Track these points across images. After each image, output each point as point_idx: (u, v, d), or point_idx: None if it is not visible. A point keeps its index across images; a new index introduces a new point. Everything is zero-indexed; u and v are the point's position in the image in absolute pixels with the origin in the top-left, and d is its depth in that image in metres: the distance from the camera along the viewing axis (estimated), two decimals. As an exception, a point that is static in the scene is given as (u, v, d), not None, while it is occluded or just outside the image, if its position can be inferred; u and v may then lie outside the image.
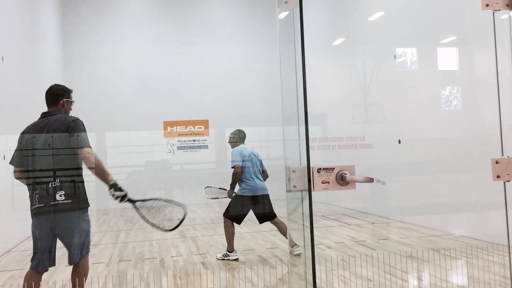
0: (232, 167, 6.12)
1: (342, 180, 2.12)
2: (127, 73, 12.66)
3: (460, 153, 7.00)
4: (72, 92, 4.17)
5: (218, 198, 6.48)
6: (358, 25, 10.36)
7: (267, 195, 6.17)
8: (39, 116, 4.10)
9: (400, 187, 8.27)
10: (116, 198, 3.67)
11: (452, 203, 7.23)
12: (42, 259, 3.80)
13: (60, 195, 3.63)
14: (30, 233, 3.98)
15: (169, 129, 12.33)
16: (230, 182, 6.19)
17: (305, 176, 2.11)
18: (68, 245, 3.85)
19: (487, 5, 2.52)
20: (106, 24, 13.03)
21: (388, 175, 8.28)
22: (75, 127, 3.74)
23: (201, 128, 12.60)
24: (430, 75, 8.08)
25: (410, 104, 8.15)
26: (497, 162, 2.45)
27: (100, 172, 3.63)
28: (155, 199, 3.88)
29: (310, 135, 2.16)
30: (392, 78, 8.94)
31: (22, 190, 8.67)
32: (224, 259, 6.04)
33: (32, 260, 3.82)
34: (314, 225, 2.16)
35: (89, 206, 3.82)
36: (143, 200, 3.82)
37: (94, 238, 8.12)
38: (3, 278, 5.66)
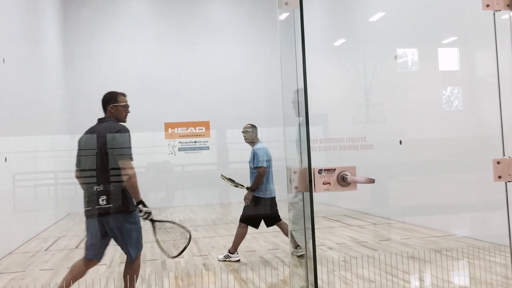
0: (255, 168, 5.88)
1: (343, 181, 2.12)
2: (128, 74, 12.66)
3: (461, 154, 6.99)
4: (124, 96, 4.27)
5: (233, 185, 6.21)
6: (359, 26, 10.36)
7: (274, 196, 6.11)
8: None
9: (401, 187, 8.26)
10: (144, 214, 3.96)
11: (453, 203, 7.22)
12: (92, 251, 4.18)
13: (103, 200, 3.89)
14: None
15: (170, 130, 12.34)
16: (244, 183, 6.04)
17: (306, 177, 2.11)
18: (120, 245, 4.14)
19: (487, 6, 2.52)
20: (106, 25, 13.04)
21: (389, 176, 8.28)
22: (120, 137, 3.95)
23: (202, 129, 12.60)
24: (431, 76, 8.08)
25: (411, 105, 8.15)
26: (498, 163, 2.45)
27: (133, 186, 3.90)
28: (171, 222, 4.26)
29: (311, 136, 2.15)
30: (393, 78, 8.94)
31: (23, 192, 8.73)
32: (225, 260, 6.03)
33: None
34: (316, 226, 2.16)
35: (135, 209, 4.02)
36: (161, 221, 4.16)
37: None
38: (5, 280, 5.66)
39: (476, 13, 2.69)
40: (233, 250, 6.04)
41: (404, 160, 8.20)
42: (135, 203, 3.96)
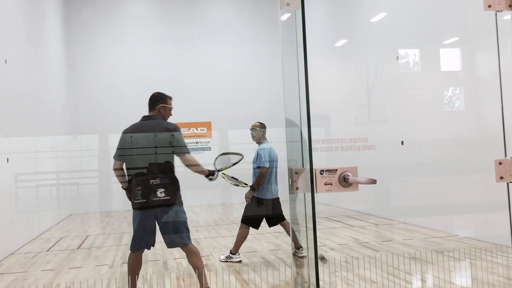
0: (257, 167, 5.85)
1: (345, 181, 2.12)
2: (130, 75, 12.68)
3: (463, 154, 6.98)
4: (171, 99, 4.69)
5: (235, 184, 6.20)
6: (361, 27, 10.36)
7: (278, 197, 6.08)
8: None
9: (403, 188, 8.25)
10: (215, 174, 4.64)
11: (455, 204, 7.21)
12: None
13: (161, 192, 4.15)
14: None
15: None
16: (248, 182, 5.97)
17: (308, 177, 2.11)
18: (170, 235, 4.34)
19: (489, 6, 2.52)
20: (109, 26, 13.06)
21: (391, 176, 8.27)
22: (178, 135, 4.37)
23: (203, 130, 12.61)
24: (433, 76, 8.07)
25: (412, 105, 8.15)
26: (500, 163, 2.45)
27: (198, 169, 4.44)
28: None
29: (312, 137, 2.16)
30: (395, 79, 8.94)
31: (25, 193, 8.74)
32: (227, 261, 6.03)
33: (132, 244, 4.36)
34: (317, 226, 2.16)
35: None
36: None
37: (97, 241, 8.15)
38: (7, 280, 5.67)
39: (478, 14, 2.69)
40: (235, 251, 6.04)
41: (406, 160, 8.19)
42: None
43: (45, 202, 9.96)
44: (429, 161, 7.66)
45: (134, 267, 4.34)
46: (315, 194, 2.12)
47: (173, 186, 4.22)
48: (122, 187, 4.31)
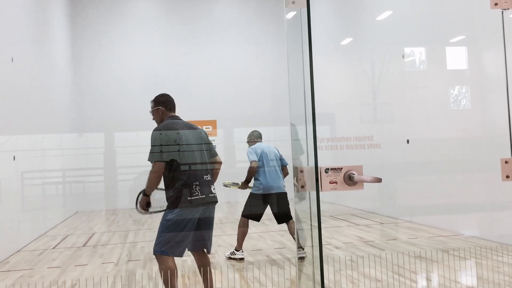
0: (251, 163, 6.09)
1: (350, 180, 2.12)
2: (136, 74, 12.71)
3: (469, 153, 6.95)
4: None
5: (237, 184, 6.37)
6: (366, 25, 10.33)
7: (284, 194, 6.11)
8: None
9: (408, 187, 8.23)
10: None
11: (461, 203, 7.19)
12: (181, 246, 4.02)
13: (214, 189, 4.08)
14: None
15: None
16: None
17: (313, 176, 2.11)
18: (203, 237, 4.12)
19: (495, 4, 2.51)
20: (114, 25, 13.09)
21: (396, 175, 8.25)
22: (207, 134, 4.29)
23: (209, 128, 12.61)
24: (439, 75, 8.04)
25: (418, 104, 8.12)
26: (506, 162, 2.44)
27: (218, 172, 4.28)
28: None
29: (318, 135, 2.15)
30: (401, 77, 8.91)
31: (31, 191, 8.78)
32: (231, 258, 6.06)
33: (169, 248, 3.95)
34: (322, 225, 2.16)
35: None
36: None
37: (103, 238, 8.18)
38: (13, 277, 5.71)
39: (484, 12, 2.68)
40: (239, 247, 6.09)
41: (411, 159, 8.17)
42: None
43: (51, 200, 10.00)
44: (434, 160, 7.64)
45: (173, 271, 3.96)
46: (320, 193, 2.12)
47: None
48: (153, 188, 3.99)
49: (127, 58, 12.78)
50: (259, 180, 6.06)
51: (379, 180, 2.04)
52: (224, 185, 6.37)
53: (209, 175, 4.06)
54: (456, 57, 7.63)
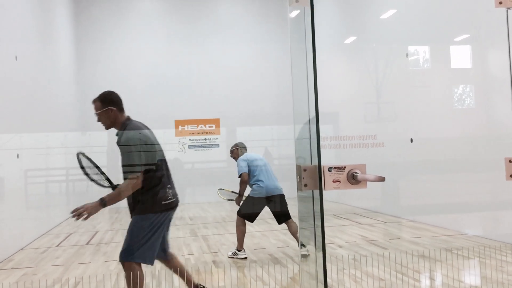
0: (239, 176, 6.19)
1: (353, 179, 2.12)
2: (139, 72, 12.73)
3: (473, 152, 6.93)
4: None
5: (232, 200, 6.50)
6: (370, 23, 10.30)
7: (283, 195, 6.16)
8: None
9: (412, 186, 8.22)
10: None
11: (465, 202, 7.17)
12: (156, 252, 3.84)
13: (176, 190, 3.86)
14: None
15: (180, 128, 12.37)
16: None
17: (316, 175, 2.11)
18: (166, 238, 3.99)
19: (500, 3, 2.50)
20: (118, 24, 13.11)
21: (400, 174, 8.24)
22: None
23: (212, 127, 12.62)
24: (443, 74, 8.02)
25: (422, 103, 8.09)
26: (510, 161, 2.43)
27: None
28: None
29: (321, 134, 2.15)
30: (404, 76, 8.89)
31: (35, 189, 8.79)
32: (233, 257, 6.07)
33: (141, 255, 3.74)
34: (325, 224, 2.16)
35: None
36: None
37: (106, 236, 8.20)
38: (17, 275, 5.73)
39: (488, 11, 2.67)
40: (240, 247, 6.09)
41: (415, 158, 8.15)
42: None
43: (55, 198, 10.03)
44: (438, 159, 7.62)
45: (142, 282, 3.73)
46: (323, 191, 2.11)
47: None
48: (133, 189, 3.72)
49: (131, 57, 12.80)
50: (257, 183, 6.11)
51: (382, 179, 2.03)
52: (219, 193, 6.48)
53: (171, 176, 3.84)
54: (460, 56, 7.60)
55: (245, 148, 6.49)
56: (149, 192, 3.68)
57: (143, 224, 3.69)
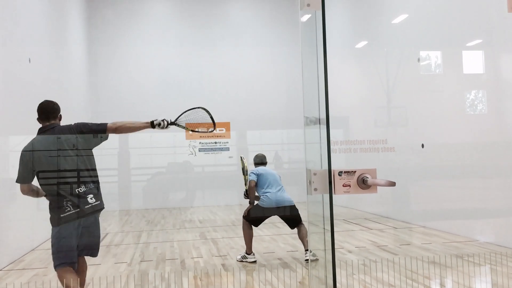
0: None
1: (363, 183, 2.11)
2: (150, 75, 12.81)
3: (484, 158, 6.88)
4: None
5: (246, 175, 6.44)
6: (382, 28, 10.27)
7: (293, 206, 6.10)
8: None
9: (423, 191, 8.16)
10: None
11: (476, 208, 7.11)
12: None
13: (91, 198, 4.07)
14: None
15: (190, 131, 12.40)
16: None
17: (326, 179, 2.10)
18: (91, 243, 4.16)
19: (513, 8, 2.48)
20: (130, 27, 13.21)
21: (410, 179, 8.18)
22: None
23: (222, 130, 12.64)
24: (455, 79, 7.97)
25: (434, 108, 8.05)
26: (523, 167, 2.41)
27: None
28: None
29: (331, 138, 2.15)
30: (416, 81, 8.84)
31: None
32: (242, 261, 6.06)
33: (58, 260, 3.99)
34: (335, 228, 2.16)
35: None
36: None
37: (116, 238, 8.23)
38: (28, 276, 5.77)
39: (501, 16, 2.65)
40: (249, 250, 6.09)
41: (426, 164, 8.10)
42: None
43: (66, 200, 10.08)
44: (449, 165, 7.56)
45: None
46: (333, 196, 2.11)
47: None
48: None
49: (143, 59, 12.89)
50: (265, 194, 6.09)
51: (393, 184, 2.02)
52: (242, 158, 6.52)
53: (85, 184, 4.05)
54: (473, 61, 7.55)
55: (262, 163, 6.49)
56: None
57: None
